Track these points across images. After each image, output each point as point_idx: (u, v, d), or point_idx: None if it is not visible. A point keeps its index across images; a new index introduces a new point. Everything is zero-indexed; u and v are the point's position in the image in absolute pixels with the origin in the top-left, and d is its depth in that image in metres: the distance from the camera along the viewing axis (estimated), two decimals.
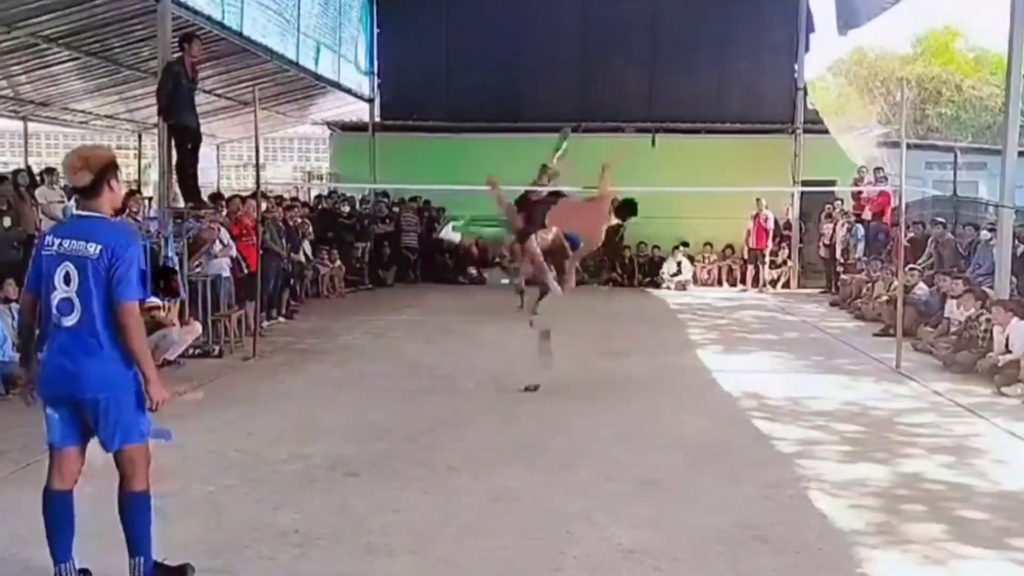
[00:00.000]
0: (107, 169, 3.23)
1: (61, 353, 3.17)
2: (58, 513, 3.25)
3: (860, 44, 29.54)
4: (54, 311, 3.15)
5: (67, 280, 3.13)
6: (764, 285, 15.01)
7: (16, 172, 10.35)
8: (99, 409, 3.17)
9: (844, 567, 3.74)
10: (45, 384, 3.23)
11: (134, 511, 3.27)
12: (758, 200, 14.67)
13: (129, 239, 3.25)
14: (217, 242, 9.04)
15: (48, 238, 3.22)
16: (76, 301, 3.13)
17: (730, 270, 15.66)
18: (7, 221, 8.74)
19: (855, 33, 14.17)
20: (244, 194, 11.63)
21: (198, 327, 8.11)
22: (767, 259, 15.22)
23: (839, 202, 14.14)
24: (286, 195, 15.70)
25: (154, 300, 7.89)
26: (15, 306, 7.16)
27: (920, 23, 33.42)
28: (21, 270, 8.42)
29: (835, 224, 13.79)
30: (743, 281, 15.30)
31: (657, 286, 15.16)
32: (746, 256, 15.37)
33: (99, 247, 3.13)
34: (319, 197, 16.53)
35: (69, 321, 3.14)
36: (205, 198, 9.71)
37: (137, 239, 3.31)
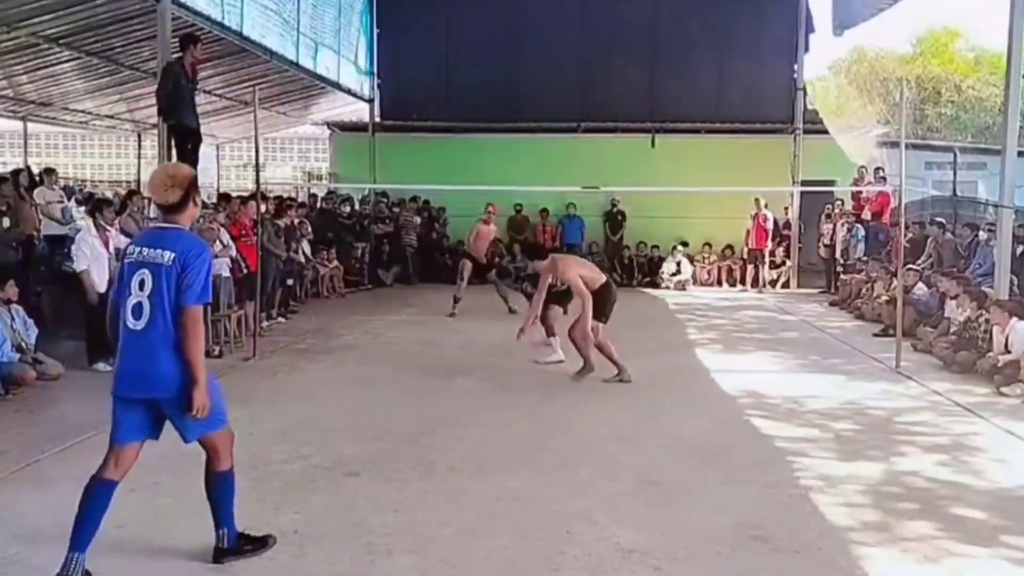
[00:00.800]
0: (192, 186, 3.49)
1: (132, 355, 3.37)
2: (98, 501, 3.38)
3: (860, 44, 29.60)
4: (128, 315, 3.36)
5: (141, 285, 3.34)
6: (764, 285, 15.01)
7: (16, 172, 10.36)
8: (171, 406, 3.40)
9: (843, 566, 3.74)
10: (118, 384, 3.40)
11: (219, 488, 3.63)
12: (757, 200, 14.66)
13: (201, 249, 3.46)
14: (217, 242, 9.05)
15: (130, 247, 3.50)
16: (147, 305, 3.33)
17: (730, 270, 15.67)
18: (6, 222, 8.76)
19: (852, 33, 14.20)
20: (244, 196, 11.61)
21: None
22: (767, 259, 15.22)
23: (839, 202, 14.15)
24: (284, 194, 15.71)
25: None
26: (16, 307, 7.16)
27: (919, 23, 33.49)
28: (21, 271, 8.44)
29: (835, 224, 13.80)
30: (742, 281, 15.29)
31: (656, 286, 15.17)
32: (745, 256, 15.37)
33: (173, 255, 3.34)
34: (312, 196, 16.52)
35: (139, 324, 3.34)
36: (204, 198, 9.70)
37: (208, 250, 3.53)
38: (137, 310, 3.33)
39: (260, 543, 3.74)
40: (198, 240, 3.58)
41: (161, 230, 3.48)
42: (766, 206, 14.81)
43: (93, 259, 7.51)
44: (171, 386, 3.35)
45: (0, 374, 6.52)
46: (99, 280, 7.56)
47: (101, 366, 7.62)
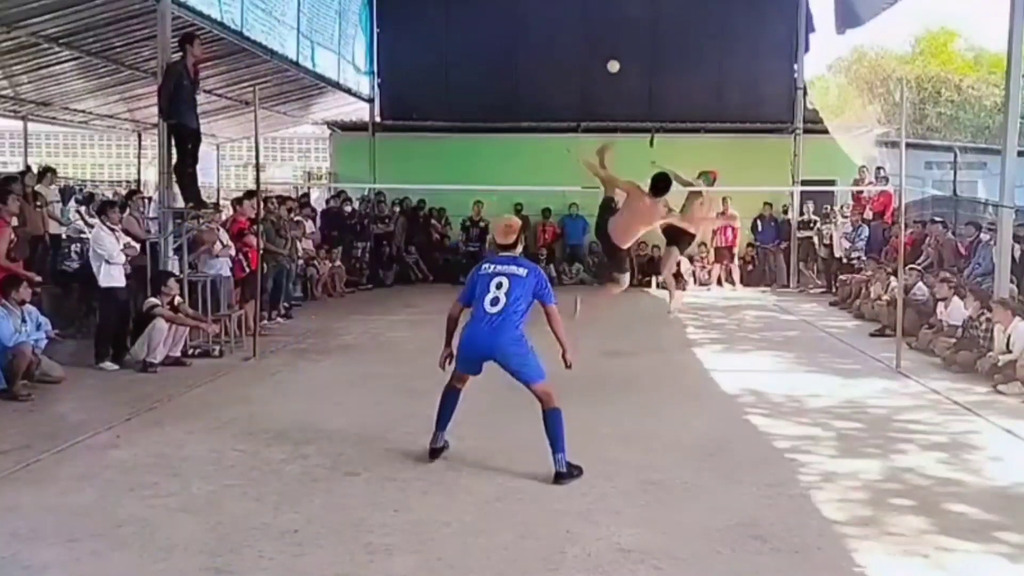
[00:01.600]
0: (521, 231, 5.20)
1: (479, 329, 4.88)
2: (451, 400, 5.12)
3: (860, 43, 29.61)
4: (486, 304, 4.88)
5: (498, 286, 4.90)
6: (736, 283, 15.00)
7: (23, 173, 10.36)
8: (511, 362, 4.87)
9: (843, 566, 3.75)
10: (463, 347, 4.98)
11: (551, 422, 4.85)
12: (725, 199, 14.41)
13: (538, 268, 5.12)
14: (217, 243, 9.07)
15: (486, 265, 5.09)
16: (502, 299, 4.86)
17: (728, 271, 15.65)
18: (15, 222, 8.72)
19: (854, 32, 14.12)
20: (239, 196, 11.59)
21: (205, 326, 8.39)
22: (735, 256, 15.18)
23: (840, 203, 14.13)
24: (284, 194, 15.70)
25: (153, 300, 7.95)
26: (29, 308, 7.11)
27: (919, 23, 33.50)
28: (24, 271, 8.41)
29: (835, 224, 13.77)
30: (728, 279, 15.30)
31: (656, 286, 15.14)
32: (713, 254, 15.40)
33: (526, 271, 4.98)
34: (305, 195, 16.50)
35: (494, 310, 4.87)
36: (204, 198, 9.70)
37: (540, 268, 5.17)
38: (494, 302, 4.86)
39: (579, 469, 4.82)
40: (534, 264, 5.15)
41: (508, 258, 5.05)
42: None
43: (114, 253, 7.72)
44: (507, 349, 4.84)
45: (2, 365, 6.53)
46: (118, 273, 7.80)
47: (108, 365, 7.64)
